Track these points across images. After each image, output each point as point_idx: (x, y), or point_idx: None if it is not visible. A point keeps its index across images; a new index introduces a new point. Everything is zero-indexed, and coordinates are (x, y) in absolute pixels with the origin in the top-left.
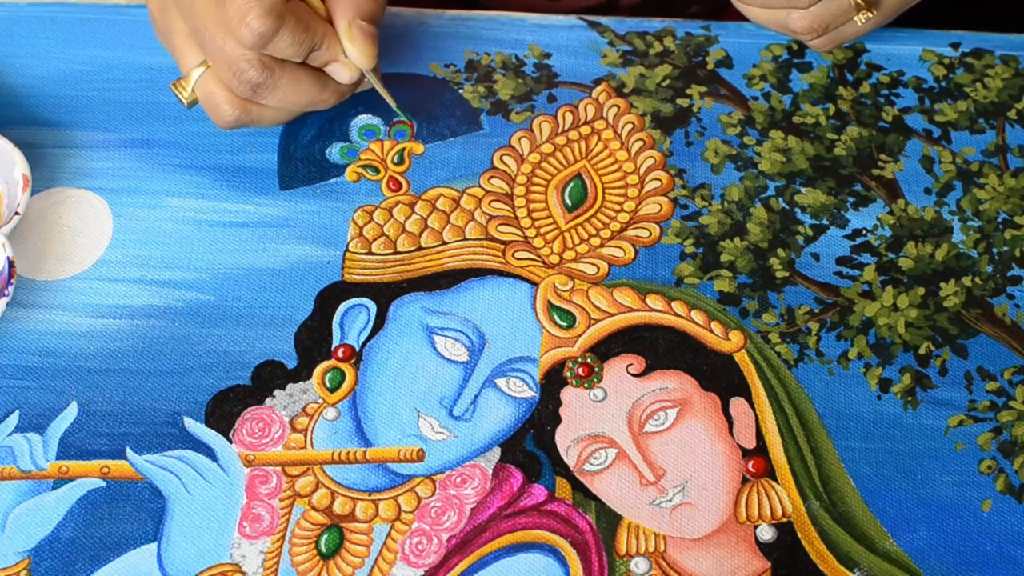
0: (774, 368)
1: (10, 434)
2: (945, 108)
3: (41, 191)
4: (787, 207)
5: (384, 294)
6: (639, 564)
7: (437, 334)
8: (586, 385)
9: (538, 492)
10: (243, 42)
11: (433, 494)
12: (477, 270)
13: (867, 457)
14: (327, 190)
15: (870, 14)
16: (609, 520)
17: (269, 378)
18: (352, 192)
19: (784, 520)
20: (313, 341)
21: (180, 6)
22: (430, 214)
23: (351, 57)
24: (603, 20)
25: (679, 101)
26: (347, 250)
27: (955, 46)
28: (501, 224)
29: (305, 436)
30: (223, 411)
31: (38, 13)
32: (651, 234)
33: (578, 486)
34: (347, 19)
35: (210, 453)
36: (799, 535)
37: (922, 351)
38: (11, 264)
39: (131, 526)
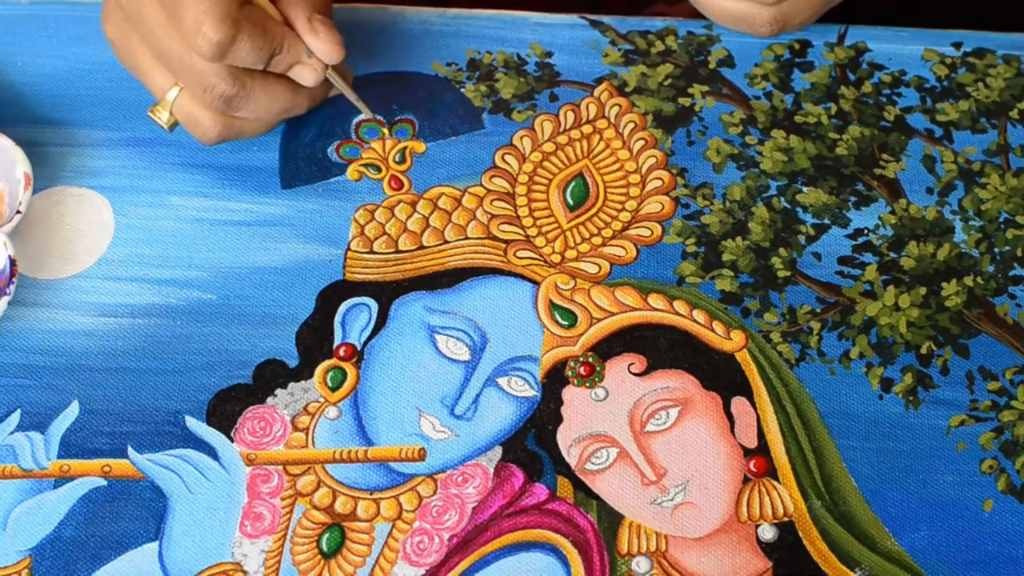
0: (775, 367)
1: (11, 433)
2: (947, 108)
3: (43, 190)
4: (789, 206)
5: (386, 293)
6: (640, 563)
7: (439, 333)
8: (587, 384)
9: (539, 491)
10: (202, 54)
11: (434, 493)
12: (479, 269)
13: (868, 457)
14: (329, 189)
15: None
16: (610, 519)
17: (271, 377)
18: (354, 191)
19: (785, 520)
20: (314, 340)
21: (139, 30)
22: (432, 213)
23: (317, 52)
24: (605, 19)
25: (681, 100)
26: (349, 249)
27: (957, 45)
28: (503, 223)
29: (306, 435)
30: (224, 410)
31: (39, 12)
32: (653, 233)
33: (579, 485)
34: (305, 15)
35: (211, 452)
36: (800, 534)
37: (924, 351)
38: (13, 263)
39: (132, 525)
